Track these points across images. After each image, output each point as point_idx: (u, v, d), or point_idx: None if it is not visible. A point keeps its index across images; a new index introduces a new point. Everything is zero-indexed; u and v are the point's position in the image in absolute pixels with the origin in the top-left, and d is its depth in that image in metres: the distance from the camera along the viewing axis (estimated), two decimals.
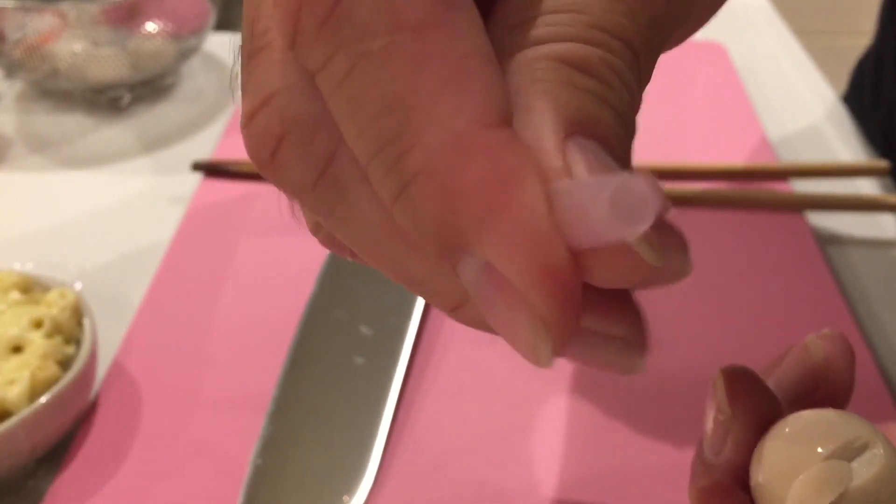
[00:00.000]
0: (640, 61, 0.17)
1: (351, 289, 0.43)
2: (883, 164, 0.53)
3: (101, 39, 0.59)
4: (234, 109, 0.61)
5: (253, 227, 0.49)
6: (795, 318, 0.43)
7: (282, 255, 0.47)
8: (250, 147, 0.18)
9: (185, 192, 0.52)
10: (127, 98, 0.61)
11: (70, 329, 0.37)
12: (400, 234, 0.16)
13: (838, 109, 0.63)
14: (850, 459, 0.20)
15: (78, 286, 0.43)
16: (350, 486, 0.34)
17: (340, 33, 0.14)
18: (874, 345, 0.42)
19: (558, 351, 0.15)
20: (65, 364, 0.36)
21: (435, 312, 0.43)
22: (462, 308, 0.18)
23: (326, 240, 0.20)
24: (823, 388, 0.23)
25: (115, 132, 0.59)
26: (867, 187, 0.53)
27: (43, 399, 0.33)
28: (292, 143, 0.17)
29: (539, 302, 0.14)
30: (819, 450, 0.20)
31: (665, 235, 0.16)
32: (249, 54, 0.17)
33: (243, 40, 0.17)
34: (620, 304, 0.18)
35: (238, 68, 0.18)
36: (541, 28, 0.16)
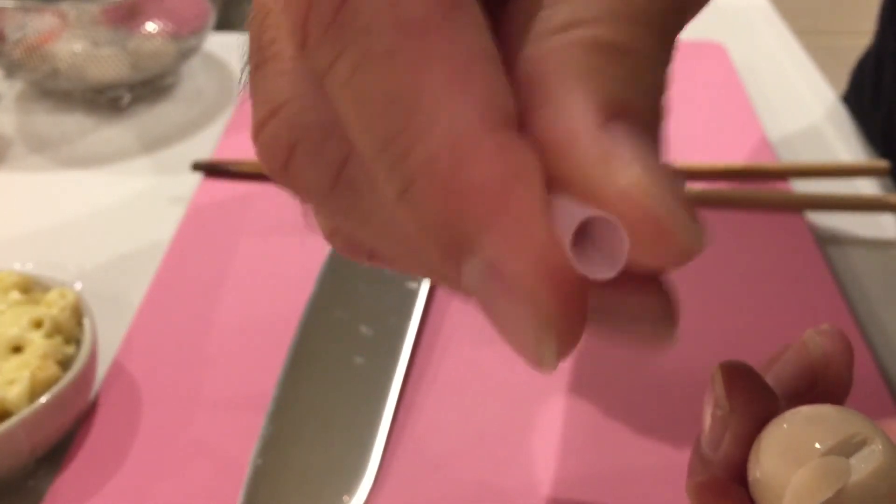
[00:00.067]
0: (666, 42, 0.16)
1: (351, 289, 0.43)
2: (883, 164, 0.53)
3: (101, 39, 0.59)
4: (234, 109, 0.61)
5: (253, 227, 0.49)
6: (795, 318, 0.43)
7: (282, 255, 0.47)
8: (263, 157, 0.18)
9: (185, 192, 0.52)
10: (127, 98, 0.61)
11: (70, 329, 0.37)
12: None
13: (838, 109, 0.63)
14: (849, 455, 0.20)
15: (78, 286, 0.43)
16: (350, 486, 0.34)
17: (346, 34, 0.15)
18: (874, 345, 0.42)
19: (563, 352, 0.15)
20: (65, 364, 0.36)
21: (435, 312, 0.43)
22: None
23: (343, 246, 0.20)
24: (822, 384, 0.23)
25: (115, 132, 0.59)
26: (867, 187, 0.53)
27: (43, 399, 0.33)
28: (304, 151, 0.17)
29: (544, 301, 0.14)
30: (817, 445, 0.20)
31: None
32: (257, 65, 0.17)
33: (250, 52, 0.18)
34: (648, 275, 0.18)
35: (245, 77, 0.18)
36: (564, 14, 0.16)
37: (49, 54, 0.58)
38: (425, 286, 0.43)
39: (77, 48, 0.59)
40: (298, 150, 0.17)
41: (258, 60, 0.17)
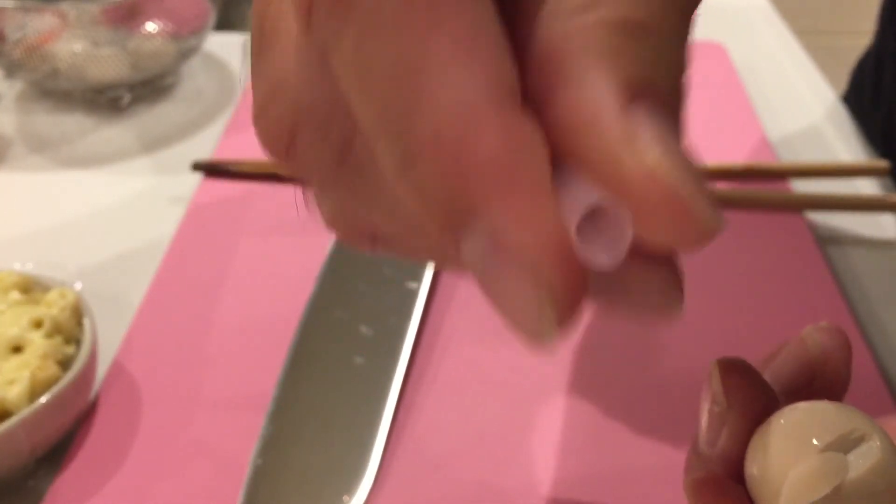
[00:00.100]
0: (686, 18, 0.16)
1: (351, 289, 0.43)
2: (883, 164, 0.53)
3: (101, 39, 0.59)
4: (234, 109, 0.61)
5: (253, 227, 0.49)
6: (795, 317, 0.43)
7: (282, 255, 0.47)
8: (265, 139, 0.18)
9: (185, 192, 0.52)
10: (127, 98, 0.61)
11: (70, 329, 0.37)
12: None
13: (838, 109, 0.63)
14: (847, 451, 0.20)
15: (78, 286, 0.43)
16: (350, 486, 0.34)
17: (352, 7, 0.15)
18: (874, 345, 0.42)
19: (563, 324, 0.15)
20: (65, 364, 0.36)
21: (435, 312, 0.43)
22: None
23: (345, 231, 0.20)
24: (820, 381, 0.23)
25: (115, 132, 0.59)
26: (867, 187, 0.53)
27: (43, 399, 0.33)
28: (308, 131, 0.17)
29: (547, 272, 0.14)
30: (815, 442, 0.20)
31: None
32: (259, 49, 0.17)
33: (253, 37, 0.18)
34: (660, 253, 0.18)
35: (247, 72, 0.18)
36: None
37: (49, 54, 0.58)
38: (425, 286, 0.43)
39: (77, 48, 0.59)
40: (302, 131, 0.17)
41: (261, 44, 0.17)
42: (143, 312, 0.43)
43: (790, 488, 0.20)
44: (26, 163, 0.56)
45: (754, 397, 0.21)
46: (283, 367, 0.39)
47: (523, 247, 0.14)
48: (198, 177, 0.53)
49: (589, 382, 0.39)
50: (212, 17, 0.62)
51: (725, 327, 0.42)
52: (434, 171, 0.14)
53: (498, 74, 0.14)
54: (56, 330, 0.36)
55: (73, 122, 0.60)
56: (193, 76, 0.66)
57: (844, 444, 0.20)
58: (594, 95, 0.15)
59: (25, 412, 0.33)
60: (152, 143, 0.58)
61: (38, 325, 0.36)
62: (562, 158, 0.15)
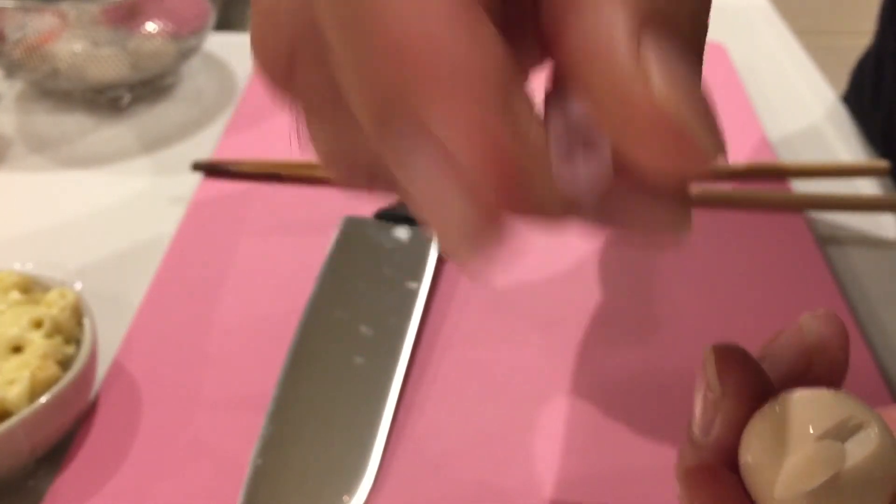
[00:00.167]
0: None
1: (351, 289, 0.43)
2: (883, 164, 0.53)
3: (101, 39, 0.59)
4: (234, 109, 0.61)
5: (253, 227, 0.49)
6: (796, 318, 0.43)
7: (282, 255, 0.47)
8: (264, 67, 0.17)
9: (185, 192, 0.52)
10: (127, 98, 0.61)
11: (70, 329, 0.37)
12: None
13: (838, 109, 0.63)
14: (844, 440, 0.19)
15: (78, 286, 0.43)
16: (350, 486, 0.34)
17: None
18: (874, 344, 0.42)
19: (488, 231, 0.15)
20: (65, 364, 0.36)
21: (435, 312, 0.43)
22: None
23: (342, 171, 0.19)
24: (817, 368, 0.22)
25: (115, 132, 0.59)
26: (867, 187, 0.53)
27: (43, 399, 0.33)
28: (304, 57, 0.17)
29: (480, 180, 0.14)
30: (811, 430, 0.19)
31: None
32: None
33: None
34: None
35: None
36: None
37: (49, 54, 0.58)
38: (425, 286, 0.43)
39: (77, 48, 0.59)
40: (300, 54, 0.17)
41: None
42: (143, 312, 0.43)
43: (786, 477, 0.19)
44: (26, 163, 0.56)
45: (750, 383, 0.21)
46: (283, 367, 0.39)
47: (456, 149, 0.14)
48: (198, 177, 0.53)
49: (589, 382, 0.39)
50: (212, 17, 0.62)
51: (725, 327, 0.42)
52: (383, 57, 0.14)
53: None
54: (56, 330, 0.36)
55: (73, 122, 0.60)
56: (193, 76, 0.66)
57: (842, 432, 0.19)
58: (604, 23, 0.15)
59: (25, 412, 0.33)
60: (152, 143, 0.58)
61: (38, 325, 0.36)
62: (569, 91, 0.15)
